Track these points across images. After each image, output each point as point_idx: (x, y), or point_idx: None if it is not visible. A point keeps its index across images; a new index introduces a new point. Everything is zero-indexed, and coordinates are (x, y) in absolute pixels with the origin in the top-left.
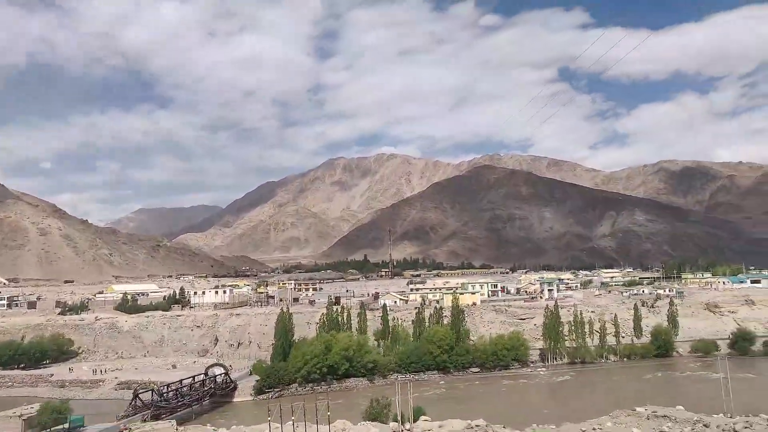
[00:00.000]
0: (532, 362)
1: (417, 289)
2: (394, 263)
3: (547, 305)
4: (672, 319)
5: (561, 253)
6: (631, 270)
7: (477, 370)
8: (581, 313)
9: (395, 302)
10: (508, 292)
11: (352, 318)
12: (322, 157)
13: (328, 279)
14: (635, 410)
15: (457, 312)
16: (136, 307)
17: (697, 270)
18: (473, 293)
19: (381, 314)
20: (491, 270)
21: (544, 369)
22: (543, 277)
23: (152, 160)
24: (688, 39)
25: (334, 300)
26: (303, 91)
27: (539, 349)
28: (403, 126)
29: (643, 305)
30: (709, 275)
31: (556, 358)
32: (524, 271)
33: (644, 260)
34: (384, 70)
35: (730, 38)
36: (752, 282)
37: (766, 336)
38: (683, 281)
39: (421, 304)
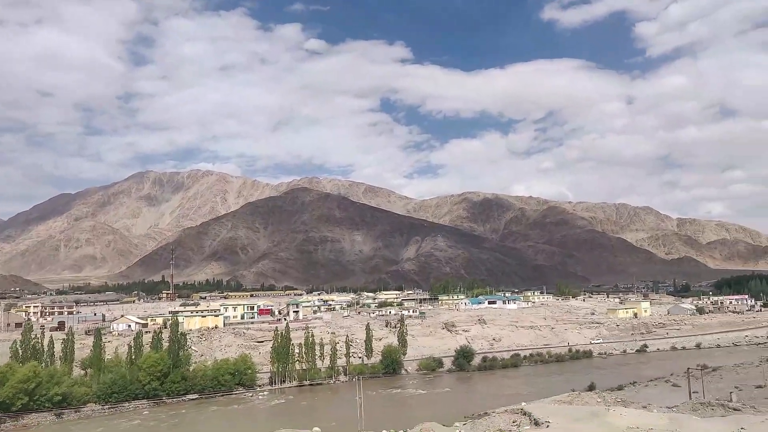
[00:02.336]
0: (261, 386)
1: (176, 312)
2: (196, 284)
3: (276, 328)
4: (402, 338)
5: (368, 276)
6: (413, 292)
7: (195, 396)
8: (313, 335)
9: (129, 326)
10: (280, 313)
11: (55, 345)
12: (130, 169)
13: (102, 301)
14: None
15: (176, 336)
16: None
17: (457, 292)
18: (216, 316)
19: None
20: (292, 292)
21: (265, 393)
22: (293, 299)
23: None
24: (494, 83)
25: (57, 325)
26: (111, 98)
27: (271, 372)
28: (222, 143)
29: (387, 325)
30: (463, 297)
31: (285, 381)
32: (317, 293)
33: (451, 283)
34: (203, 84)
35: (526, 87)
36: (489, 303)
37: (487, 352)
38: (439, 302)
39: (157, 328)
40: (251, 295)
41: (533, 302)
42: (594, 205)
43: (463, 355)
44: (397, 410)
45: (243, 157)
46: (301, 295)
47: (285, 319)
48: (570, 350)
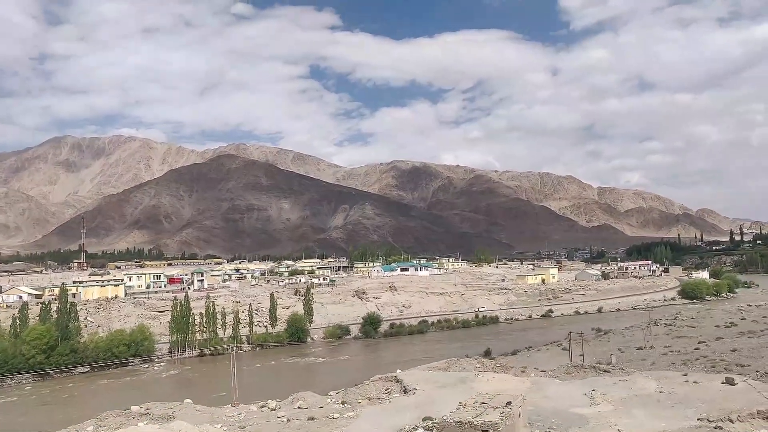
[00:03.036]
0: (159, 357)
1: (80, 282)
2: (116, 253)
3: (176, 297)
4: (307, 306)
5: (295, 244)
6: (335, 260)
7: (86, 369)
8: (214, 304)
9: (20, 297)
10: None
11: None
12: (47, 134)
13: (6, 272)
14: (128, 409)
15: (65, 307)
16: None
17: (374, 259)
18: (116, 285)
19: None
20: (213, 261)
21: (162, 364)
22: (198, 268)
23: None
24: (423, 52)
25: None
26: (24, 58)
27: (171, 342)
28: (145, 108)
29: (296, 294)
30: (379, 264)
31: (185, 351)
32: (239, 261)
33: (369, 250)
34: (124, 47)
35: (455, 56)
36: (402, 270)
37: (396, 319)
38: (355, 270)
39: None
40: (169, 264)
41: (446, 269)
42: (519, 174)
43: (370, 323)
44: (286, 379)
45: (168, 123)
46: (221, 263)
47: (188, 288)
48: (477, 316)
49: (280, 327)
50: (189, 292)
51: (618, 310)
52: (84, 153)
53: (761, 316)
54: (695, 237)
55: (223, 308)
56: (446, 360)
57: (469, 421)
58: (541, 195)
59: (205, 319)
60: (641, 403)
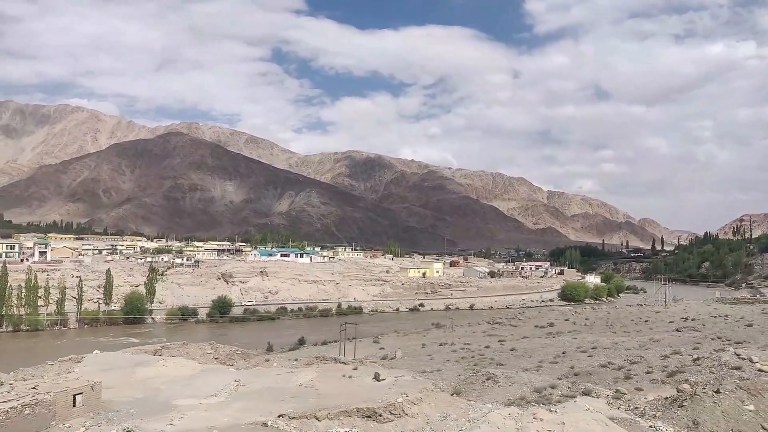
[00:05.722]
0: None
1: None
2: (43, 225)
3: None
4: (149, 285)
5: (236, 227)
6: (246, 244)
7: None
8: (36, 277)
9: None
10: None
11: None
12: None
13: None
14: None
15: None
16: None
17: (269, 243)
18: None
19: None
20: (130, 238)
21: None
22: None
23: None
24: (387, 44)
25: None
26: None
27: None
28: (98, 79)
29: (152, 272)
30: (273, 248)
31: None
32: (156, 240)
33: (310, 238)
34: (78, 13)
35: (418, 51)
36: (282, 255)
37: (256, 304)
38: (243, 254)
39: None
40: (78, 239)
41: (331, 258)
42: (472, 173)
43: (219, 307)
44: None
45: (122, 97)
46: (138, 241)
47: (27, 260)
48: (340, 305)
49: (119, 305)
50: (28, 263)
51: (491, 308)
52: (27, 120)
53: (585, 318)
54: (621, 244)
55: (47, 282)
56: (158, 342)
57: None
58: (491, 195)
59: (24, 292)
60: (260, 395)
